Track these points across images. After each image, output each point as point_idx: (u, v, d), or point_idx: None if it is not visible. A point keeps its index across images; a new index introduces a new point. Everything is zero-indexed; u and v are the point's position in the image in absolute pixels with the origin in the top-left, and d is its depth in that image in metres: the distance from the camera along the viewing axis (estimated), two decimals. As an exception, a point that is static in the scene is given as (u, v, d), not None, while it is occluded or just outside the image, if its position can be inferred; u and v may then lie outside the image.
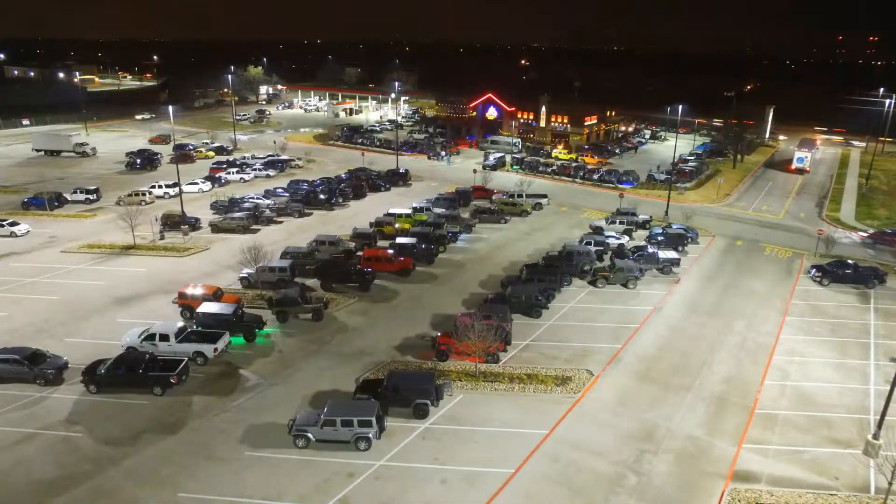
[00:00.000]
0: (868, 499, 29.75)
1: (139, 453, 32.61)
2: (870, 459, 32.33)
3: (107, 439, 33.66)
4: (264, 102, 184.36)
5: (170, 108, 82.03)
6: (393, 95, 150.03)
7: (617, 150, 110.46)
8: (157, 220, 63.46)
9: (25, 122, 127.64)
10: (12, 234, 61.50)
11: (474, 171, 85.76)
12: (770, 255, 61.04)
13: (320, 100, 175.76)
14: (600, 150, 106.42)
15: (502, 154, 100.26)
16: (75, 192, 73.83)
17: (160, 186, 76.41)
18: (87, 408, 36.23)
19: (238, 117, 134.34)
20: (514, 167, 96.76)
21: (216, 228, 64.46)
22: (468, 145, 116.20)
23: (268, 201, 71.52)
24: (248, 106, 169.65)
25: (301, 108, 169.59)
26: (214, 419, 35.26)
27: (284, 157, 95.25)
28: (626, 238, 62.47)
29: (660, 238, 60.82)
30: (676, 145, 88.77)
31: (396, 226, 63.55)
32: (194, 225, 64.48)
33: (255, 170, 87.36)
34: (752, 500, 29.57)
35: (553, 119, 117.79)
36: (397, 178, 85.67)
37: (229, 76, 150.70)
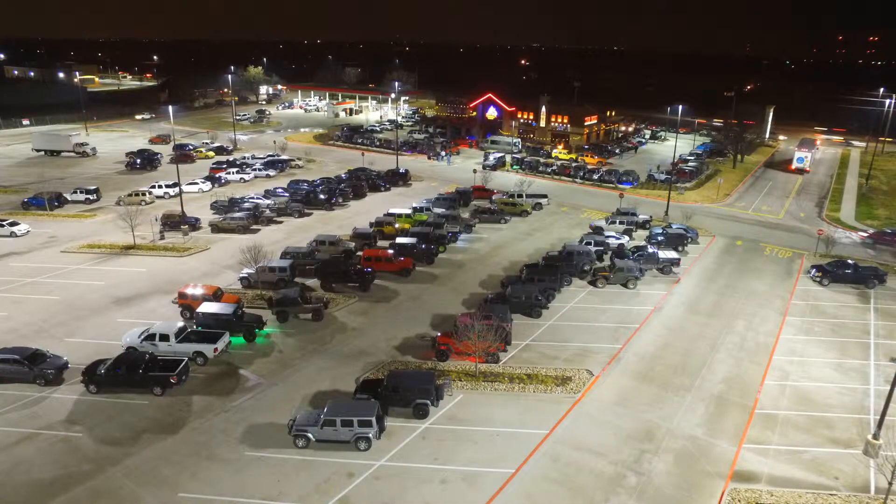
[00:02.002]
0: (868, 499, 29.75)
1: (139, 453, 32.63)
2: (870, 459, 32.35)
3: (107, 439, 33.68)
4: (264, 102, 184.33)
5: (170, 108, 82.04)
6: (393, 95, 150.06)
7: (617, 150, 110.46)
8: (157, 220, 63.47)
9: (25, 122, 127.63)
10: (12, 234, 61.50)
11: (474, 171, 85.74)
12: (770, 255, 61.02)
13: (320, 100, 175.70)
14: (600, 150, 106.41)
15: (502, 154, 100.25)
16: (75, 192, 73.83)
17: (160, 186, 76.41)
18: (87, 408, 36.25)
19: (238, 117, 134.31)
20: (514, 167, 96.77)
21: (216, 228, 64.46)
22: (468, 145, 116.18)
23: (268, 201, 71.51)
24: (248, 106, 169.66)
25: (301, 108, 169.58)
26: (214, 419, 35.26)
27: (284, 157, 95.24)
28: (626, 238, 62.47)
29: (660, 238, 60.82)
30: (676, 145, 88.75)
31: (396, 226, 63.53)
32: (194, 225, 64.48)
33: (255, 170, 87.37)
34: (752, 500, 29.58)
35: (553, 119, 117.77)
36: (397, 178, 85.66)
37: (229, 76, 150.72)
